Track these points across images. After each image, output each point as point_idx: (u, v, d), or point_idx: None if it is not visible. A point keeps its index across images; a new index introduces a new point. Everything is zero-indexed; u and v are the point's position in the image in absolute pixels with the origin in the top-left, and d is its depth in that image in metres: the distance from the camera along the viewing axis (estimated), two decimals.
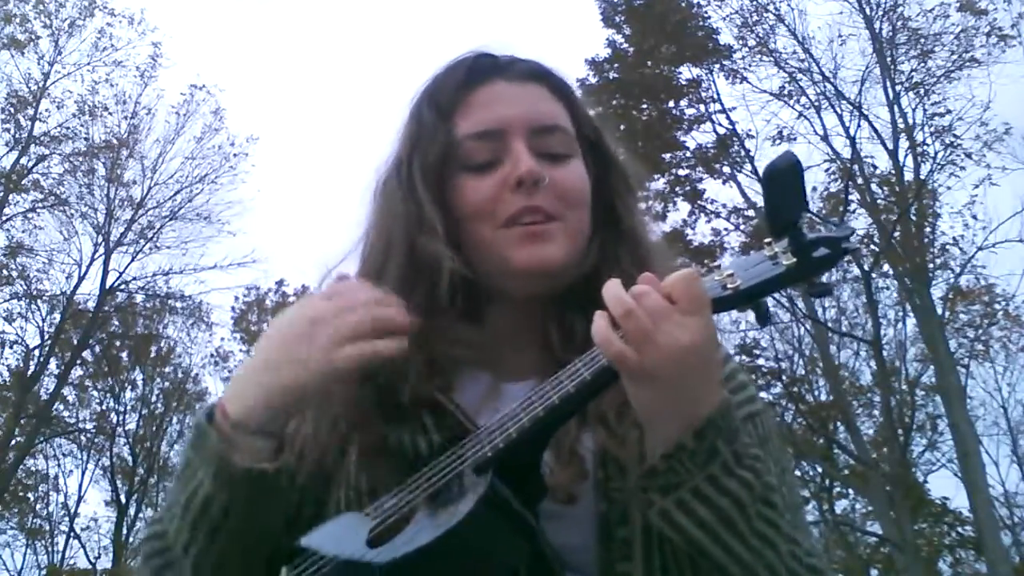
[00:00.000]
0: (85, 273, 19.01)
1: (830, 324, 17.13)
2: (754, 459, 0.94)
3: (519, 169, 1.10)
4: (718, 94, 16.34)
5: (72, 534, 21.21)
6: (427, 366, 1.09)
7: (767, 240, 0.89)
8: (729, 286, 0.90)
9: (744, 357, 15.14)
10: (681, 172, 15.94)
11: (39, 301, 18.97)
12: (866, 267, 14.40)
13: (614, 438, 1.04)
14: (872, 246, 14.26)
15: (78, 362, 19.50)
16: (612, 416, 1.04)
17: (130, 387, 21.80)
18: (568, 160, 1.16)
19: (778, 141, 15.47)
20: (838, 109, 15.56)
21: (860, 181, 15.24)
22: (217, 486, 0.98)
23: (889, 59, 15.53)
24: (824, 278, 0.89)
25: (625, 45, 16.40)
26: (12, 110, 18.60)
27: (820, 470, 17.79)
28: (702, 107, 16.31)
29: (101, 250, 19.08)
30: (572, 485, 1.01)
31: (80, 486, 21.16)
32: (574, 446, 1.03)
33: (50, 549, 21.09)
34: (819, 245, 0.86)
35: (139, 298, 20.11)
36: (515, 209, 1.10)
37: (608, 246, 1.17)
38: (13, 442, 17.75)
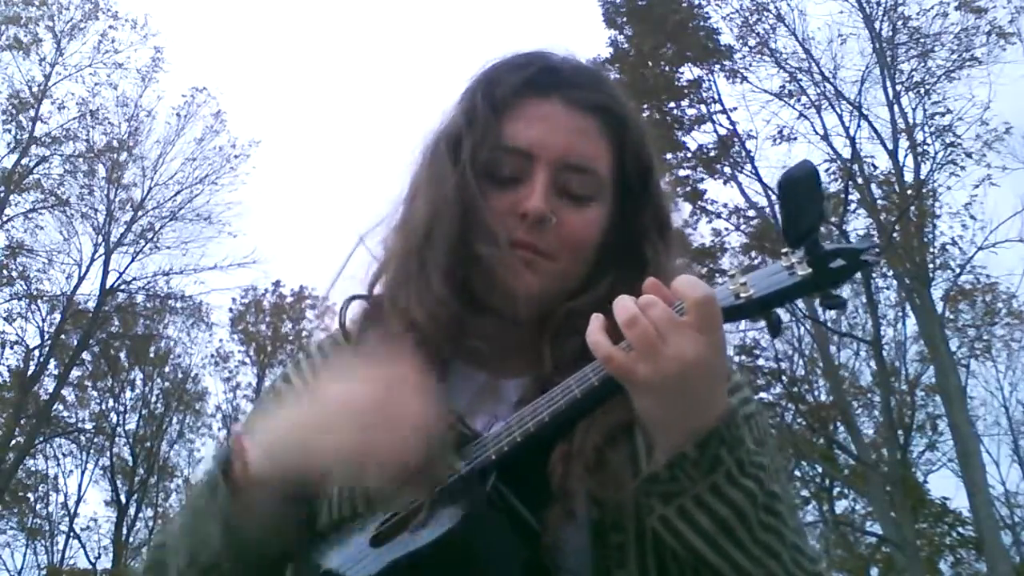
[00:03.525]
0: (85, 273, 19.05)
1: (830, 324, 17.11)
2: (758, 467, 0.93)
3: (528, 203, 1.10)
4: (719, 94, 16.36)
5: (72, 534, 21.22)
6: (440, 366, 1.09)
7: (784, 250, 0.89)
8: (742, 295, 0.90)
9: (744, 357, 15.12)
10: (682, 173, 15.94)
11: (39, 301, 19.00)
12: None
13: (601, 482, 1.02)
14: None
15: (78, 362, 19.50)
16: (598, 448, 1.02)
17: (130, 387, 21.81)
18: (587, 204, 1.14)
19: (778, 141, 15.50)
20: (838, 109, 15.57)
21: (860, 181, 15.22)
22: (226, 547, 0.99)
23: (889, 59, 15.52)
24: (839, 291, 0.89)
25: (626, 45, 16.39)
26: (14, 111, 18.61)
27: (820, 470, 17.80)
28: (703, 107, 16.31)
29: (101, 250, 19.12)
30: (559, 529, 0.98)
31: (80, 486, 21.19)
32: (565, 481, 1.00)
33: (50, 549, 21.11)
34: (837, 256, 0.86)
35: (139, 298, 20.13)
36: (515, 239, 1.11)
37: (622, 286, 1.12)
38: (13, 442, 17.74)
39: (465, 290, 1.13)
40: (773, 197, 14.16)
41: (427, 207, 1.16)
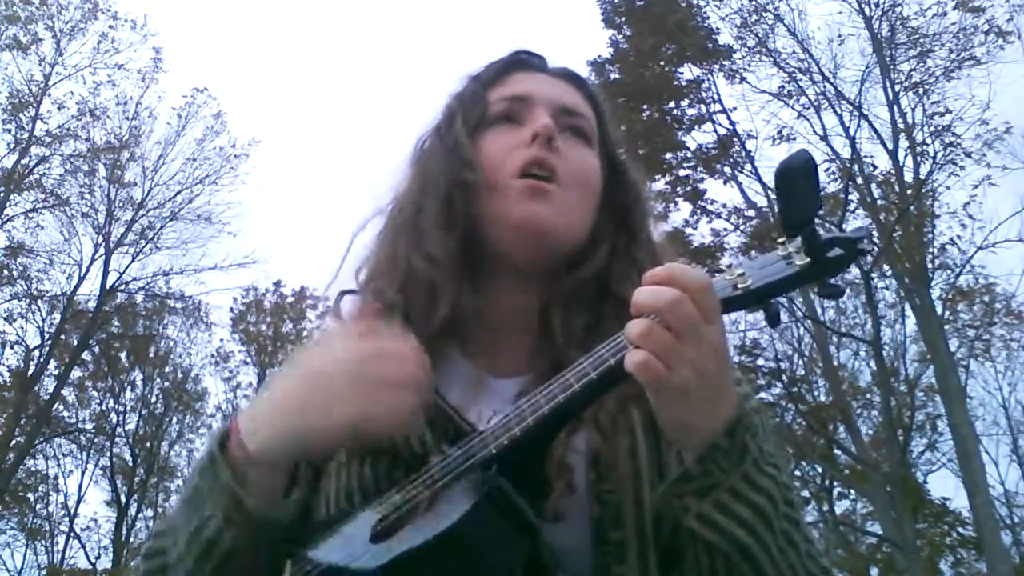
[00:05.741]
0: (85, 273, 19.04)
1: (830, 324, 17.12)
2: (773, 456, 0.94)
3: (536, 124, 1.16)
4: (718, 94, 16.36)
5: (72, 534, 21.21)
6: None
7: (780, 240, 0.88)
8: (740, 286, 0.89)
9: (744, 357, 15.12)
10: (682, 173, 15.94)
11: (39, 301, 18.99)
12: (866, 267, 14.39)
13: (607, 443, 1.03)
14: (872, 246, 14.24)
15: (78, 362, 19.49)
16: (607, 423, 1.05)
17: (130, 387, 21.81)
18: (586, 144, 1.22)
19: (778, 141, 15.50)
20: (838, 109, 15.56)
21: (860, 181, 15.22)
22: (227, 525, 0.96)
23: (888, 59, 15.51)
24: (835, 279, 0.89)
25: (626, 46, 16.39)
26: (14, 110, 18.59)
27: (820, 470, 17.80)
28: (703, 107, 16.31)
29: (101, 250, 19.11)
30: (559, 501, 1.00)
31: (80, 486, 21.19)
32: (563, 458, 1.02)
33: (50, 549, 21.10)
34: (834, 245, 0.85)
35: (139, 298, 20.12)
36: (526, 157, 1.15)
37: (621, 250, 1.21)
38: (13, 442, 17.72)
39: (466, 255, 1.16)
40: (772, 195, 14.11)
41: (418, 180, 1.23)
